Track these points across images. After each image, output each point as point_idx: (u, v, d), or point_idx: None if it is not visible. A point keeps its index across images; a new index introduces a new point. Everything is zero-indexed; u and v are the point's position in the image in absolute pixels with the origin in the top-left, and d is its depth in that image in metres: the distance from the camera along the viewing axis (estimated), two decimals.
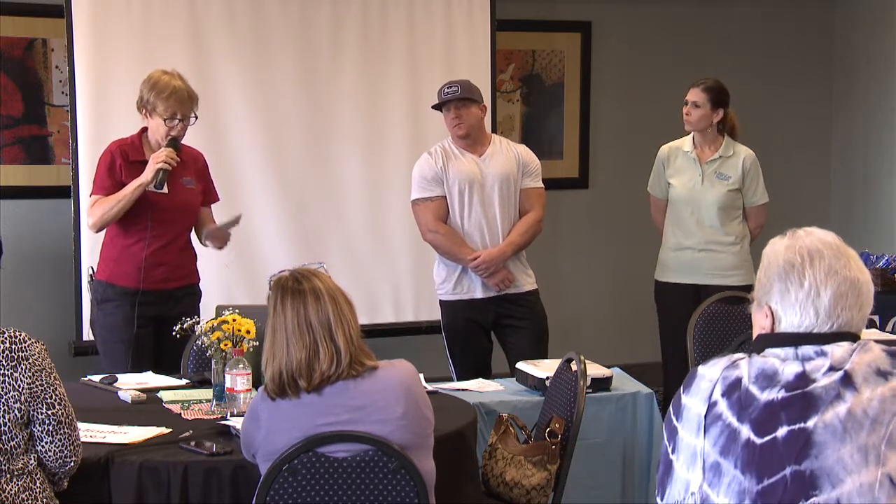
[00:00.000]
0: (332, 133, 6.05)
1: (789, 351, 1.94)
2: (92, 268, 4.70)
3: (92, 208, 4.44)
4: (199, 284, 4.65)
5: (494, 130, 6.20)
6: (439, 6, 6.21)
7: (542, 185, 5.04)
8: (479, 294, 4.92)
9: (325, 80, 6.01)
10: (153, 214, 4.41)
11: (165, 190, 4.39)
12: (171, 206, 4.45)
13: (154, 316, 4.41)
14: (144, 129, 4.51)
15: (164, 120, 4.39)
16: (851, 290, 1.95)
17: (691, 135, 5.38)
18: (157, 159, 4.32)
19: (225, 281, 5.65)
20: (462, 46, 6.25)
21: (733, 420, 1.89)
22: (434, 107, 4.98)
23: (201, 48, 5.79)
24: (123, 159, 4.43)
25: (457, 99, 4.85)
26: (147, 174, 4.33)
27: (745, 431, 1.88)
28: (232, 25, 5.86)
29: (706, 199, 5.28)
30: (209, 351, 3.63)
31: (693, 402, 1.95)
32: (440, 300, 5.04)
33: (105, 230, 4.51)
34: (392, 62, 6.13)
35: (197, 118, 4.50)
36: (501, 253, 4.88)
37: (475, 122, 4.90)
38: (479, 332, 4.98)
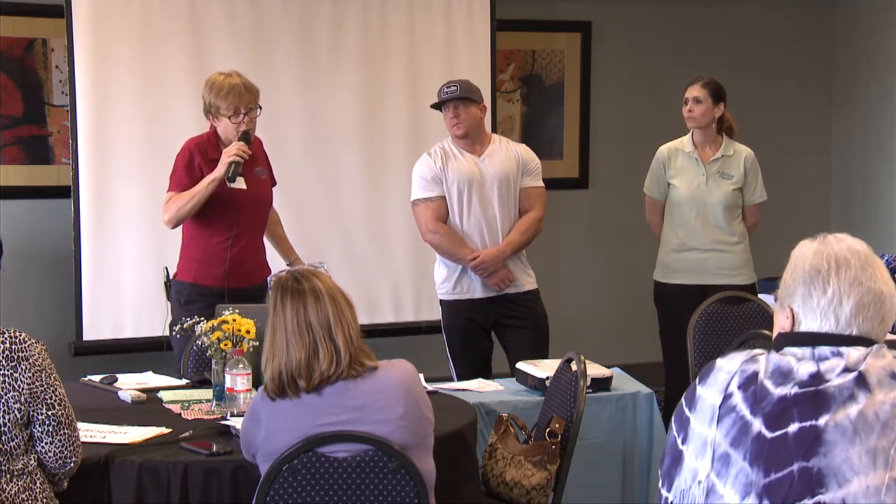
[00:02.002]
0: (333, 133, 6.05)
1: (806, 350, 1.96)
2: (167, 268, 4.68)
3: (167, 204, 4.45)
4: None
5: (494, 130, 6.20)
6: (439, 6, 6.21)
7: (543, 185, 5.03)
8: (479, 294, 4.92)
9: (325, 81, 6.02)
10: (235, 212, 4.44)
11: (243, 185, 4.43)
12: (250, 201, 4.50)
13: None
14: (213, 128, 4.52)
15: (230, 118, 4.41)
16: (874, 302, 1.96)
17: (690, 135, 5.38)
18: (229, 153, 4.35)
19: None
20: (462, 46, 6.25)
21: (746, 413, 1.91)
22: (433, 106, 4.98)
23: (201, 48, 5.79)
24: (202, 157, 4.45)
25: (456, 98, 4.85)
26: (220, 169, 4.36)
27: (757, 425, 1.89)
28: (232, 25, 5.86)
29: (711, 199, 5.28)
30: (209, 351, 3.63)
31: (709, 392, 1.97)
32: (440, 300, 5.04)
33: (183, 229, 4.53)
34: (392, 62, 6.13)
35: (262, 109, 4.52)
36: (500, 252, 4.87)
37: (474, 122, 4.89)
38: (479, 332, 4.97)
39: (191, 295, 4.48)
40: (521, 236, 4.93)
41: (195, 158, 4.45)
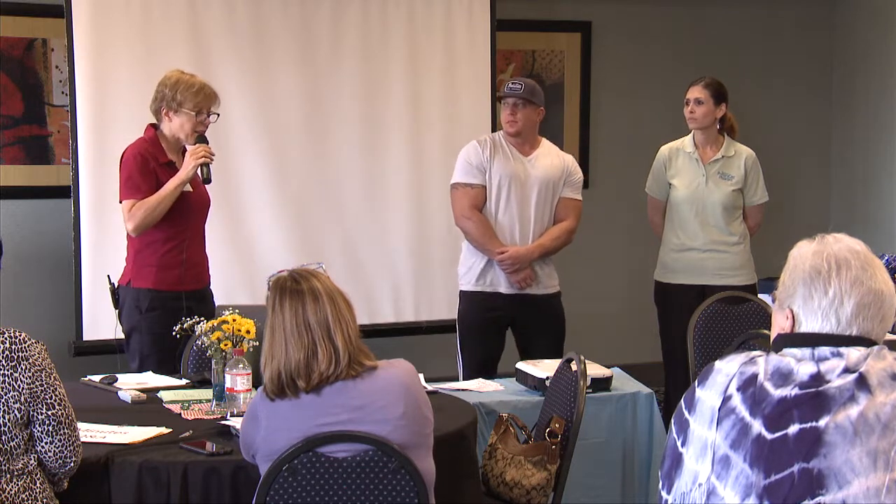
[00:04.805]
0: (333, 133, 6.05)
1: (806, 351, 1.96)
2: (109, 276, 4.65)
3: (132, 212, 4.37)
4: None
5: (494, 130, 6.20)
6: (439, 6, 6.21)
7: (581, 199, 5.10)
8: (503, 289, 4.94)
9: (325, 81, 6.01)
10: (186, 215, 4.43)
11: (190, 188, 4.42)
12: (197, 205, 4.49)
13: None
14: (151, 133, 4.48)
15: (195, 115, 4.39)
16: (875, 301, 1.97)
17: (691, 135, 5.38)
18: (197, 155, 4.33)
19: (225, 281, 5.64)
20: (462, 46, 6.25)
21: (746, 414, 1.91)
22: (497, 97, 5.07)
23: (201, 47, 5.79)
24: (154, 161, 4.41)
25: (516, 97, 4.90)
26: (185, 172, 4.33)
27: (757, 426, 1.89)
28: (232, 24, 5.86)
29: (710, 200, 5.28)
30: (209, 351, 3.63)
31: (708, 394, 1.97)
32: (460, 290, 5.05)
33: (131, 235, 4.49)
34: (392, 63, 6.13)
35: (219, 116, 4.52)
36: (529, 252, 4.92)
37: (528, 124, 4.97)
38: (495, 328, 4.99)
39: (152, 301, 4.42)
40: (552, 242, 5.00)
41: (150, 162, 4.40)
